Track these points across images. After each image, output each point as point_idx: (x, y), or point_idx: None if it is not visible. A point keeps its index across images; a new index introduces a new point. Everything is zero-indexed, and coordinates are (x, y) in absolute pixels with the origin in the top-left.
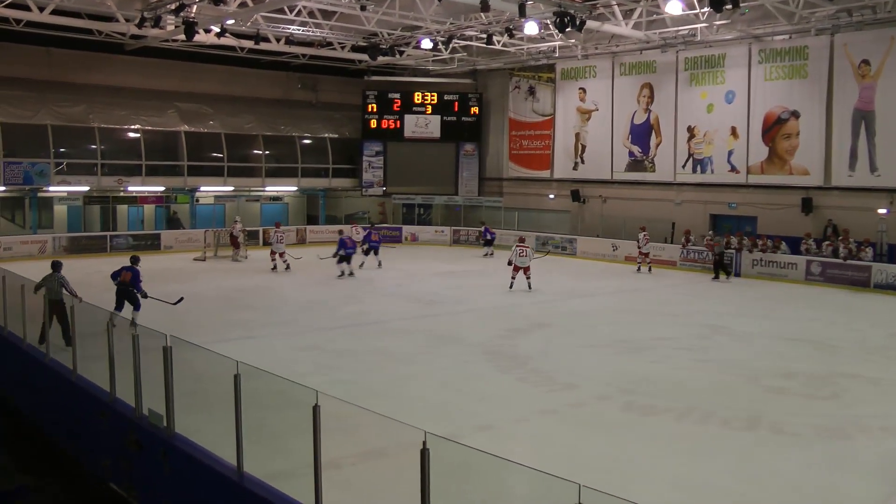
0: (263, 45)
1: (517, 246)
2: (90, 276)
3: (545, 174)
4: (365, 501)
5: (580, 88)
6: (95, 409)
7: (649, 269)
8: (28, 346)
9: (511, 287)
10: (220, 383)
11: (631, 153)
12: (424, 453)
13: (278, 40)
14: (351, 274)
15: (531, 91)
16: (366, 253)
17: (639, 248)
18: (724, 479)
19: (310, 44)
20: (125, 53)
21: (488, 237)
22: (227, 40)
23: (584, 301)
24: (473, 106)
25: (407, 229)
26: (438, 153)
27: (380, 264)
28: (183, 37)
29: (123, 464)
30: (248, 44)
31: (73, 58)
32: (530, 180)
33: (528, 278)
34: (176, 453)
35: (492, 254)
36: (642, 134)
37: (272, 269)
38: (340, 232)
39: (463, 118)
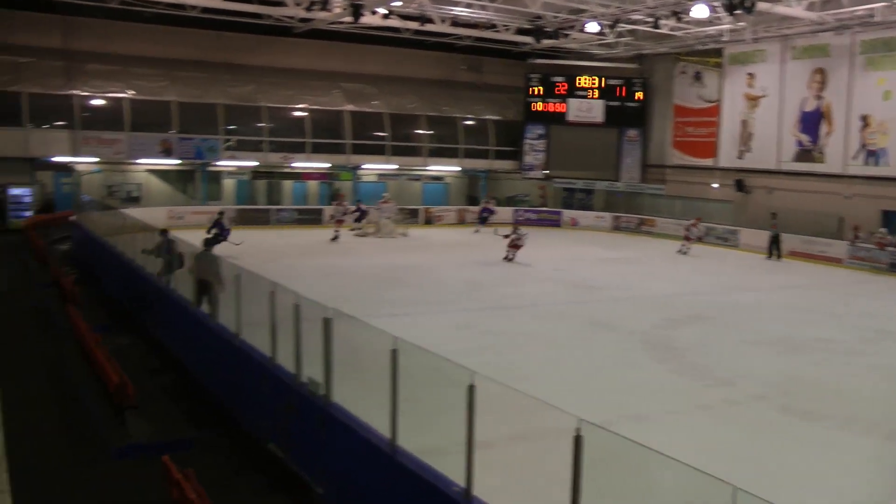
0: (428, 27)
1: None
2: (256, 247)
3: (709, 162)
4: (515, 483)
5: (748, 73)
6: (257, 373)
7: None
8: (196, 309)
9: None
10: (377, 357)
11: (799, 142)
12: (578, 440)
13: (443, 22)
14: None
15: (697, 76)
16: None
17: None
18: (885, 496)
19: (474, 25)
20: (293, 36)
21: (485, 215)
22: (393, 22)
23: (746, 295)
24: (638, 91)
25: (567, 213)
26: (601, 138)
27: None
28: (349, 19)
29: (281, 427)
30: (413, 25)
31: (243, 41)
32: (694, 168)
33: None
34: (332, 421)
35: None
36: (812, 122)
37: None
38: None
39: (627, 103)
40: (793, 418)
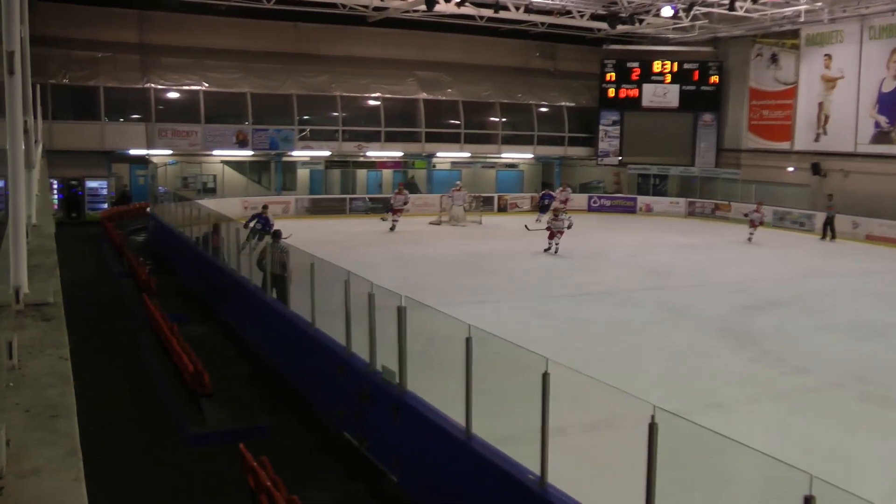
0: (502, 14)
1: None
2: (331, 236)
3: (785, 146)
4: (589, 471)
5: (825, 55)
6: (332, 362)
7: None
8: (271, 298)
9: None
10: (451, 345)
11: (877, 124)
12: (653, 427)
13: (517, 9)
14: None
15: (773, 59)
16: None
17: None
18: None
19: (549, 12)
20: (367, 25)
21: (545, 202)
22: (467, 9)
23: (824, 281)
24: (713, 75)
25: (641, 199)
26: (676, 123)
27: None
28: (423, 7)
29: (356, 415)
30: (488, 12)
31: (318, 31)
32: (769, 152)
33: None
34: (407, 410)
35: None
36: (890, 103)
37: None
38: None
39: (702, 87)
40: (870, 405)
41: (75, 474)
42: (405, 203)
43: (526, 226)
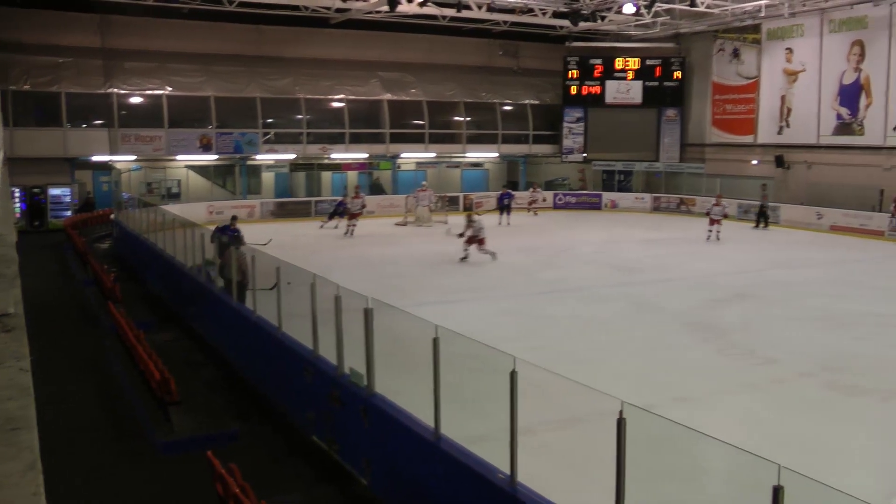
0: (465, 13)
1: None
2: (296, 239)
3: (748, 139)
4: (560, 468)
5: (786, 48)
6: (299, 366)
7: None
8: (237, 303)
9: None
10: (419, 346)
11: (839, 116)
12: (621, 423)
13: (480, 7)
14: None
15: (735, 53)
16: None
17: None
18: None
19: (511, 10)
20: (330, 27)
21: (505, 201)
22: (429, 9)
23: (789, 272)
24: (676, 70)
25: (606, 196)
26: (640, 119)
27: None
28: (386, 8)
29: (326, 418)
30: (450, 12)
31: (281, 33)
32: (733, 146)
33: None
34: (375, 412)
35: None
36: (851, 95)
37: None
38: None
39: (665, 83)
40: (838, 394)
41: (34, 489)
42: (363, 207)
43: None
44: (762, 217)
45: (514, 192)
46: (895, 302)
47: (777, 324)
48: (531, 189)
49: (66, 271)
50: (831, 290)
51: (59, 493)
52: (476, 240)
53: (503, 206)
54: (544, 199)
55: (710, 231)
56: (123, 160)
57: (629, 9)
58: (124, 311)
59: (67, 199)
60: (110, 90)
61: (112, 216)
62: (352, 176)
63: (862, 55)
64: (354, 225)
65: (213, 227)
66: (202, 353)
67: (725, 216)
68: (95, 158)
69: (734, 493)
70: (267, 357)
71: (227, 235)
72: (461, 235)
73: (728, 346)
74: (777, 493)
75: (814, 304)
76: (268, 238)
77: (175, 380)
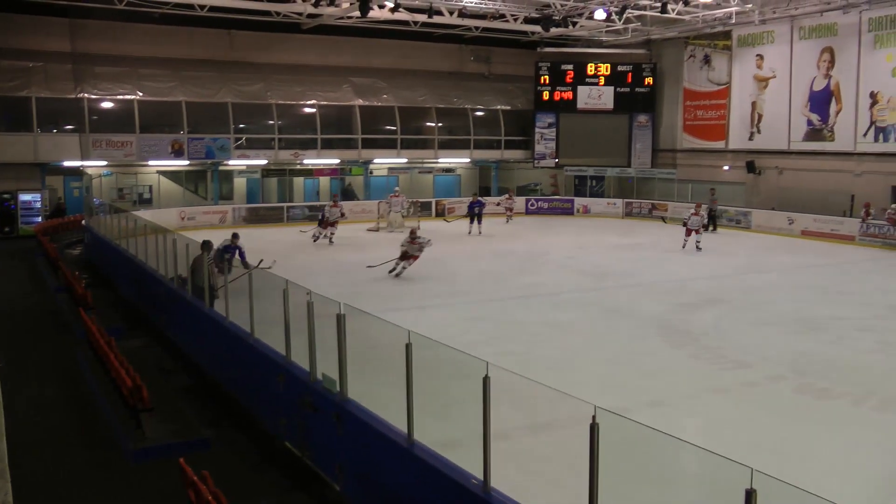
0: (436, 19)
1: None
2: (268, 245)
3: (720, 145)
4: (533, 473)
5: (757, 55)
6: (272, 371)
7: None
8: (209, 309)
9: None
10: (392, 351)
11: (809, 122)
12: (594, 428)
13: (451, 13)
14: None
15: (706, 59)
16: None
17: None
18: None
19: (483, 16)
20: (302, 32)
21: (475, 210)
22: (401, 15)
23: (760, 277)
24: (647, 76)
25: (579, 201)
26: (611, 125)
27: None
28: (358, 13)
29: (299, 424)
30: (422, 18)
31: (252, 39)
32: (704, 151)
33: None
34: (349, 418)
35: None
36: (822, 101)
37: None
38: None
39: (636, 89)
40: (808, 397)
41: (2, 497)
42: (342, 215)
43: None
44: (711, 220)
45: (484, 201)
46: (866, 306)
47: (748, 328)
48: (506, 196)
49: (37, 278)
50: (802, 295)
51: (29, 501)
52: (410, 257)
53: (474, 215)
54: (513, 208)
55: (687, 241)
56: (94, 165)
57: (600, 15)
58: (96, 317)
59: (38, 205)
60: (81, 95)
61: (83, 222)
62: (324, 181)
63: (832, 62)
64: (333, 233)
65: (203, 240)
66: (174, 360)
67: (705, 227)
68: (66, 164)
69: (707, 497)
70: (239, 363)
71: (231, 253)
72: (401, 257)
73: (700, 350)
74: (749, 496)
75: (785, 308)
76: (272, 260)
77: (147, 387)
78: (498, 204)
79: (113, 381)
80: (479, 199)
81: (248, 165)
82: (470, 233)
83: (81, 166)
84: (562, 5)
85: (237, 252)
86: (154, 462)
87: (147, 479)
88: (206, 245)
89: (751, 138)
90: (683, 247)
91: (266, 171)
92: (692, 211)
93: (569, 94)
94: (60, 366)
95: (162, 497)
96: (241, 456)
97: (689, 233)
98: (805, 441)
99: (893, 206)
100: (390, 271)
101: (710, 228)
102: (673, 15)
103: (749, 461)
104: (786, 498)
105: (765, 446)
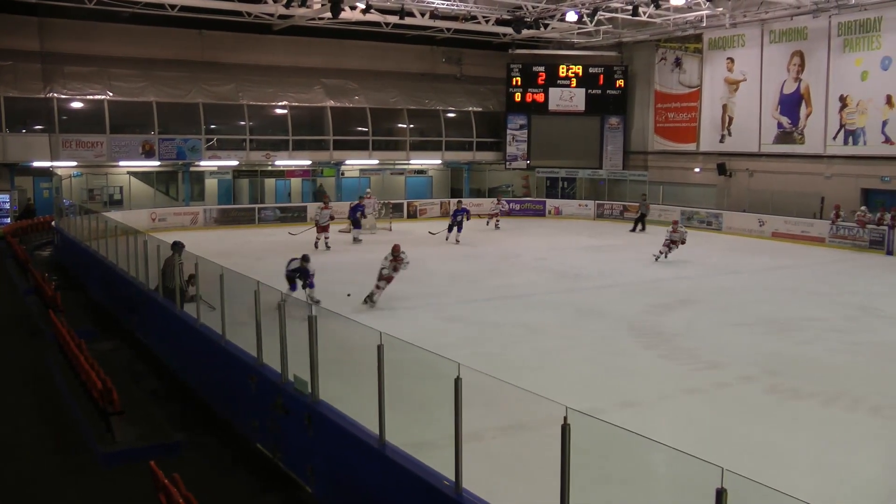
0: (408, 20)
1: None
2: (240, 247)
3: (691, 147)
4: (505, 474)
5: (728, 58)
6: (244, 374)
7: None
8: (181, 311)
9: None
10: (364, 353)
11: (779, 124)
12: (565, 429)
13: (423, 15)
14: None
15: (678, 62)
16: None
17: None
18: (873, 469)
19: (454, 18)
20: (273, 33)
21: (458, 218)
22: (373, 16)
23: (731, 278)
24: (619, 79)
25: (550, 203)
26: (583, 126)
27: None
28: (329, 15)
29: (270, 426)
30: (393, 19)
31: (223, 39)
32: (676, 153)
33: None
34: (320, 419)
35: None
36: (792, 104)
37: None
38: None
39: (608, 91)
40: (780, 397)
41: None
42: (332, 218)
43: (430, 231)
44: (639, 222)
45: (470, 210)
46: (835, 307)
47: (720, 329)
48: (495, 200)
49: (6, 280)
50: (773, 296)
51: None
52: (388, 278)
53: (456, 223)
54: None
55: (661, 253)
56: (64, 166)
57: (572, 17)
58: (66, 320)
59: (7, 206)
60: (50, 95)
61: (53, 223)
62: (295, 183)
63: (802, 65)
64: (328, 237)
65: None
66: (145, 363)
67: (684, 241)
68: (36, 164)
69: (678, 496)
70: (211, 366)
71: (303, 276)
72: (379, 278)
73: (672, 350)
74: (720, 495)
75: (756, 309)
76: (347, 293)
77: (117, 390)
78: (490, 217)
79: (83, 385)
80: (465, 207)
81: (219, 166)
82: (447, 239)
83: (51, 167)
84: (533, 7)
85: (308, 275)
86: (125, 466)
87: (117, 483)
88: (177, 246)
89: (722, 141)
90: (656, 259)
91: (237, 173)
92: (671, 229)
93: (540, 96)
94: (30, 369)
95: (133, 501)
96: (213, 459)
97: (667, 244)
98: (776, 441)
99: (863, 208)
100: (365, 301)
101: (640, 228)
102: (644, 18)
103: (720, 461)
104: (756, 497)
105: (736, 446)
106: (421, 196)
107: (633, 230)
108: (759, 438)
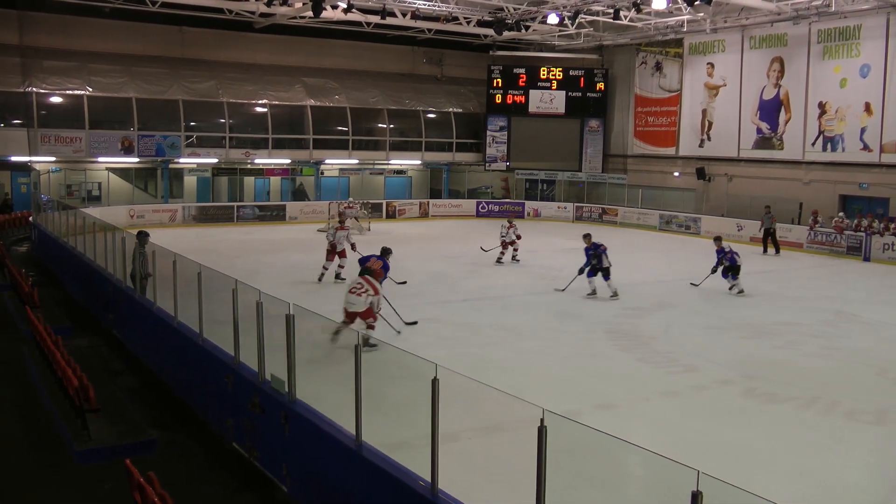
0: (389, 20)
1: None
2: (218, 244)
3: (670, 151)
4: (481, 476)
5: (708, 63)
6: (220, 372)
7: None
8: (158, 308)
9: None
10: (341, 353)
11: (759, 130)
12: (542, 431)
13: (404, 15)
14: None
15: (658, 66)
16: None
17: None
18: (849, 473)
19: (435, 18)
20: (254, 31)
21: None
22: (354, 16)
23: (710, 282)
24: (599, 82)
25: (529, 205)
26: (563, 129)
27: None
28: (310, 13)
29: (246, 425)
30: (375, 19)
31: (204, 36)
32: (655, 157)
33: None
34: (297, 419)
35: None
36: (771, 110)
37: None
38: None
39: (588, 94)
40: (757, 401)
41: None
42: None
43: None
44: (769, 238)
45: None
46: (813, 312)
47: (698, 332)
48: (507, 226)
49: None
50: (751, 301)
51: None
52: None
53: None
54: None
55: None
56: (43, 161)
57: (553, 19)
58: (42, 316)
59: None
60: (29, 89)
61: (31, 219)
62: (275, 181)
63: (781, 71)
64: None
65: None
66: (122, 360)
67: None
68: (13, 159)
69: (654, 499)
70: (188, 364)
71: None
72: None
73: (649, 353)
74: (696, 498)
75: (734, 313)
76: (402, 279)
77: (93, 387)
78: (506, 243)
79: (59, 381)
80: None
81: (198, 164)
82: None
83: (29, 162)
84: (515, 9)
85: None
86: (100, 463)
87: (92, 481)
88: (141, 235)
89: (701, 145)
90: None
91: (217, 170)
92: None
93: (521, 98)
94: (5, 365)
95: (107, 499)
96: (188, 457)
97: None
98: (752, 444)
99: (840, 214)
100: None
101: (774, 251)
102: (625, 21)
103: (696, 464)
104: (732, 500)
105: (712, 449)
106: (400, 196)
107: (765, 252)
108: (735, 442)
